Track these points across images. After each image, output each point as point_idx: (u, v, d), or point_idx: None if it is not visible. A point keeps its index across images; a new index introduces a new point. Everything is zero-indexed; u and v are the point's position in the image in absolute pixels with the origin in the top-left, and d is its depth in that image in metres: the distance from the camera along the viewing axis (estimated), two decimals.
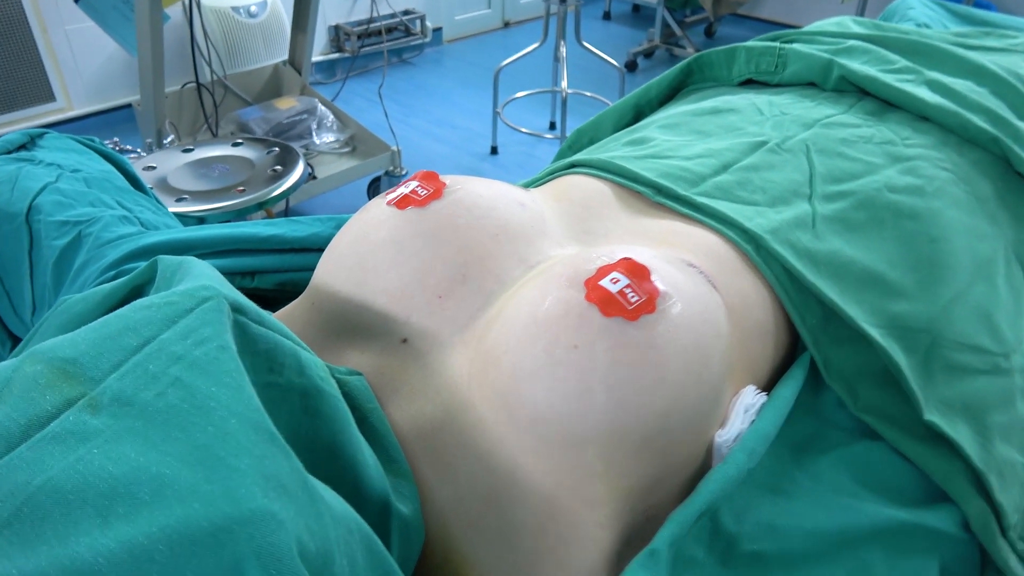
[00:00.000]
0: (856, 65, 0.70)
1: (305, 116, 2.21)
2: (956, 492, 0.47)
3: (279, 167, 1.53)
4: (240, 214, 1.34)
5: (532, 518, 0.36)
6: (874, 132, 0.64)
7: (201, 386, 0.29)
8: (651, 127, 0.66)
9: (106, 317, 0.33)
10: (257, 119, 2.15)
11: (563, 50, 2.39)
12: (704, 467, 0.42)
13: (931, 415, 0.48)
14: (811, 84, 0.73)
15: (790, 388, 0.47)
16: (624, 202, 0.54)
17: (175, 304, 0.32)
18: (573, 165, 0.60)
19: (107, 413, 0.28)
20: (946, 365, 0.51)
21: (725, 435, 0.42)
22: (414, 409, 0.41)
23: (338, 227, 0.66)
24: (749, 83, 0.77)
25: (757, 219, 0.52)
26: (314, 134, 2.21)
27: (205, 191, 1.47)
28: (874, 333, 0.50)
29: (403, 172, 2.18)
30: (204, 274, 0.38)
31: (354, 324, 0.45)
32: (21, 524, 0.26)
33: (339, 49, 3.20)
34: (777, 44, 0.74)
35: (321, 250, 0.67)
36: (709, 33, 3.77)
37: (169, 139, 1.90)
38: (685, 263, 0.46)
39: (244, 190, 1.40)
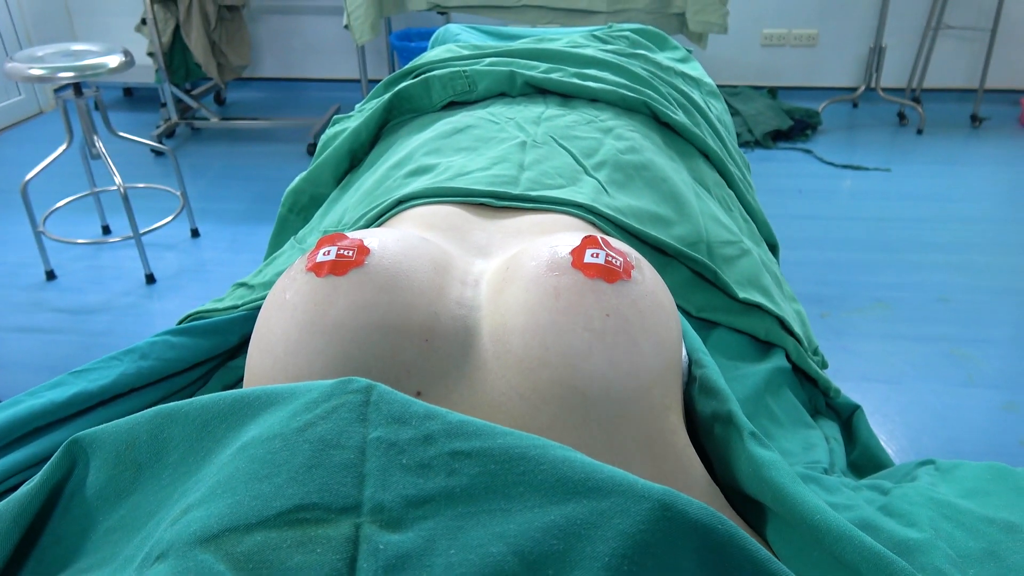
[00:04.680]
0: (531, 72, 0.84)
1: None
2: (777, 338, 0.65)
3: None
4: None
5: (649, 468, 0.41)
6: (576, 117, 0.79)
7: (484, 446, 0.27)
8: (417, 156, 0.71)
9: (244, 466, 0.27)
10: None
11: (100, 145, 2.15)
12: None
13: (742, 294, 0.65)
14: (502, 95, 0.85)
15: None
16: (477, 215, 0.59)
17: (343, 404, 0.28)
18: (401, 202, 0.61)
19: (412, 518, 0.24)
20: (722, 259, 0.68)
21: (683, 350, 0.52)
22: None
23: (143, 356, 0.58)
24: (450, 106, 0.86)
25: (579, 196, 0.62)
26: None
27: None
28: (688, 251, 0.64)
29: None
30: (256, 393, 0.33)
31: None
32: None
33: None
34: (460, 69, 0.84)
35: (136, 389, 0.57)
36: (219, 100, 3.74)
37: None
38: None
39: None
